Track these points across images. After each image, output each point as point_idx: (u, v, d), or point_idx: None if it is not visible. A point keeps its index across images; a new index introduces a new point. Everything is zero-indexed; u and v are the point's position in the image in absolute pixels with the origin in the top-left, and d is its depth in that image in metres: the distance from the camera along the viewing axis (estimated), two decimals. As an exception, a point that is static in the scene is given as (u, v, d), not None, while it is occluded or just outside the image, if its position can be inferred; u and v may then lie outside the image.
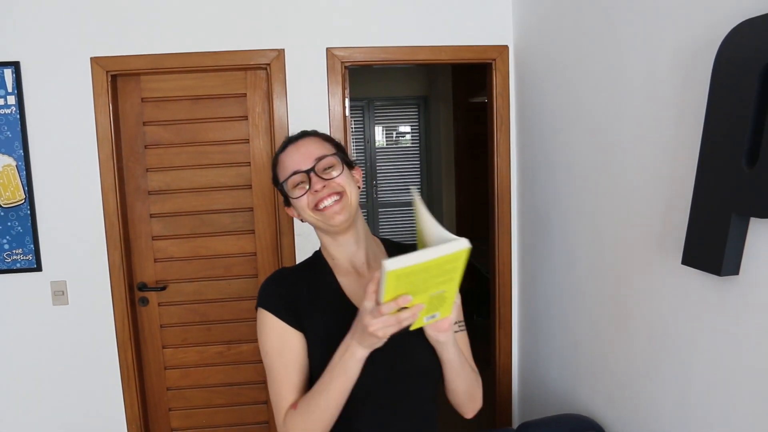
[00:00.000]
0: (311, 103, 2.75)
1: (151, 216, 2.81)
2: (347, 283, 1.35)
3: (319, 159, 1.29)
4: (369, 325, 1.05)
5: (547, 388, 2.60)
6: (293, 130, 2.78)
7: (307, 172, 1.28)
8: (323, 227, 1.33)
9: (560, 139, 2.34)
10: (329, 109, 2.75)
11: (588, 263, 2.15)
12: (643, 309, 1.79)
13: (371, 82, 5.95)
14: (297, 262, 2.85)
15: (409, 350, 1.27)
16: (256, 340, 1.62)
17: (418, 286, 1.02)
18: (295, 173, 1.28)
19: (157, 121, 2.78)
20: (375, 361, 1.15)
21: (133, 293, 2.82)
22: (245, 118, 2.79)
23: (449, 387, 1.35)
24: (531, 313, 2.80)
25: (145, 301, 2.84)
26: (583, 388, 2.23)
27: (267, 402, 2.91)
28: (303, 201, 1.30)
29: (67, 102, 2.65)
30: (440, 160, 6.00)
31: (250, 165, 2.81)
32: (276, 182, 1.37)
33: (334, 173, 1.30)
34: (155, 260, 2.84)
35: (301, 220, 1.35)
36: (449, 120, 5.86)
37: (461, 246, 1.01)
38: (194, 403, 2.93)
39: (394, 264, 0.96)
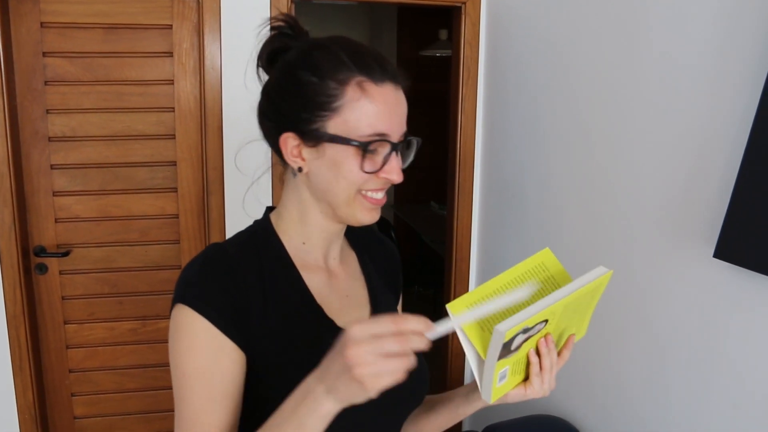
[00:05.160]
0: (250, 42, 2.32)
1: (53, 167, 2.39)
2: (316, 283, 0.97)
3: (406, 135, 0.92)
4: (354, 363, 0.65)
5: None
6: (228, 74, 2.41)
7: (397, 147, 0.89)
8: (343, 215, 0.92)
9: (542, 99, 2.05)
10: (271, 50, 2.34)
11: (572, 247, 1.88)
12: (646, 306, 1.53)
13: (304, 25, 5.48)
14: (226, 227, 2.54)
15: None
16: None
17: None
18: (388, 141, 0.87)
19: (62, 52, 2.33)
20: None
21: (29, 259, 2.41)
22: (170, 54, 2.37)
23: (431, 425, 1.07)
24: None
25: (43, 269, 2.43)
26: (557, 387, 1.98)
27: (188, 386, 2.56)
28: (362, 174, 0.87)
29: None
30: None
31: (174, 111, 2.41)
32: (319, 105, 0.87)
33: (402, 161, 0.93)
34: (56, 220, 2.43)
35: (298, 171, 0.91)
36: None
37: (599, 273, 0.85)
38: (102, 387, 2.59)
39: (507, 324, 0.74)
